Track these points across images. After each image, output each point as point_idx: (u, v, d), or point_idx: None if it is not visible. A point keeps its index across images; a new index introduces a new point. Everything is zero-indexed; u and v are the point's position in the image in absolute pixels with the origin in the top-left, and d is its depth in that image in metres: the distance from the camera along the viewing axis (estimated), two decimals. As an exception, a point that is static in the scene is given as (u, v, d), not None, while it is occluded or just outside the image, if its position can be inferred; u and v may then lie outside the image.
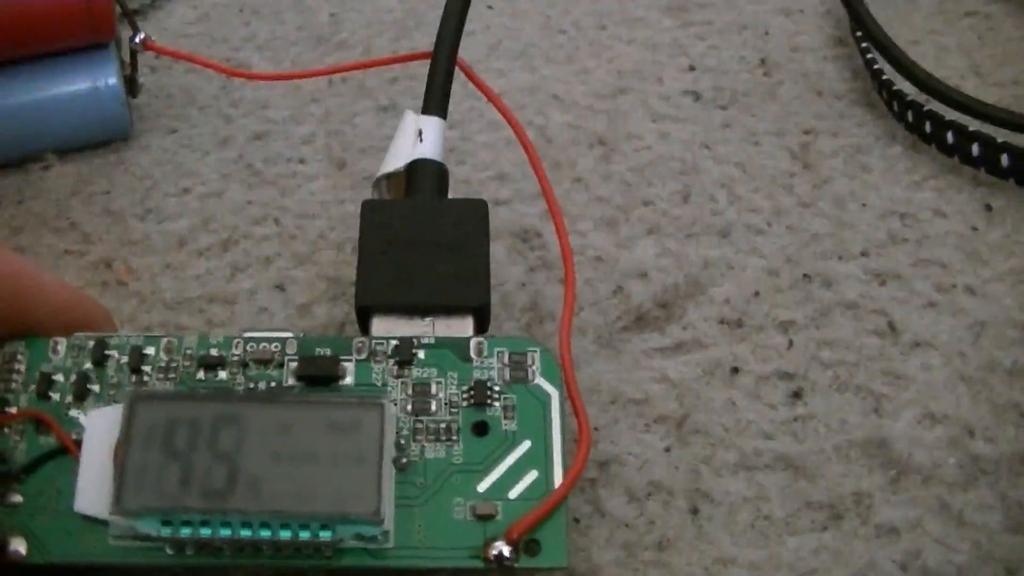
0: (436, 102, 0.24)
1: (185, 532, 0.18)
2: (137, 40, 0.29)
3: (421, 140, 0.24)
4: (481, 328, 0.22)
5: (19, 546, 0.19)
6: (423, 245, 0.22)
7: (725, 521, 0.21)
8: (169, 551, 0.19)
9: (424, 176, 0.23)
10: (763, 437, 0.22)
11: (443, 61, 0.25)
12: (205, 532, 0.19)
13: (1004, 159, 0.27)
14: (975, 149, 0.28)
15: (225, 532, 0.18)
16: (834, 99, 0.31)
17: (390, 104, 0.31)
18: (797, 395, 0.23)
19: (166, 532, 0.19)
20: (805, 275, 0.26)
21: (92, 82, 0.28)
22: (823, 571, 0.20)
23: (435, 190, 0.23)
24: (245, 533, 0.18)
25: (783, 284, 0.25)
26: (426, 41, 0.33)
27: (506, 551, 0.19)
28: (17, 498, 0.19)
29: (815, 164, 0.29)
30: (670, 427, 0.23)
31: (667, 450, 0.22)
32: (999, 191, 0.28)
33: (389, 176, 0.24)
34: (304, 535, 0.18)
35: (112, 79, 0.28)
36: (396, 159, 0.24)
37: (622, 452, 0.22)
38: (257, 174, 0.29)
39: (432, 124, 0.24)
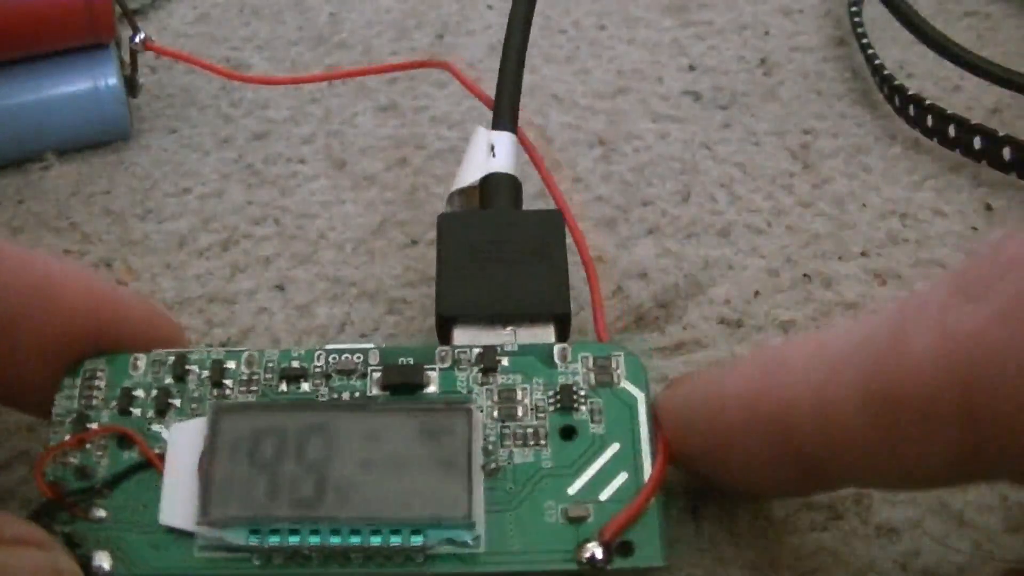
0: (506, 116, 0.25)
1: (273, 541, 0.18)
2: (137, 40, 0.29)
3: (494, 155, 0.24)
4: (562, 336, 0.22)
5: (103, 561, 0.19)
6: (502, 255, 0.23)
7: (725, 521, 0.21)
8: (256, 561, 0.19)
9: (498, 188, 0.24)
10: (763, 437, 0.22)
11: (511, 75, 0.25)
12: (294, 540, 0.18)
13: (1006, 152, 0.27)
14: (977, 142, 0.27)
15: (315, 540, 0.18)
16: (834, 99, 0.31)
17: (390, 104, 0.31)
18: (797, 395, 0.23)
19: (254, 541, 0.18)
20: (805, 275, 0.26)
21: (92, 82, 0.28)
22: (823, 571, 0.20)
23: (510, 201, 0.24)
24: (335, 540, 0.18)
25: (783, 284, 0.25)
26: (425, 41, 0.33)
27: (599, 553, 0.19)
28: (101, 513, 0.19)
29: (815, 164, 0.29)
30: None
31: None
32: (999, 191, 0.28)
33: (462, 191, 0.24)
34: (395, 540, 0.18)
35: (112, 79, 0.28)
36: (469, 174, 0.24)
37: None
38: (257, 174, 0.29)
39: (504, 139, 0.25)
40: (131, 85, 0.29)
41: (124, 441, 0.20)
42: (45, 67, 0.28)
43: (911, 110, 0.29)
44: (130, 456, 0.20)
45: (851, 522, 0.21)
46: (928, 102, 0.29)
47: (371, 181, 0.28)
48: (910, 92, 0.29)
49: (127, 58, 0.29)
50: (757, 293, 0.25)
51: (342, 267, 0.26)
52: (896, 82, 0.29)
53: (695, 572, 0.21)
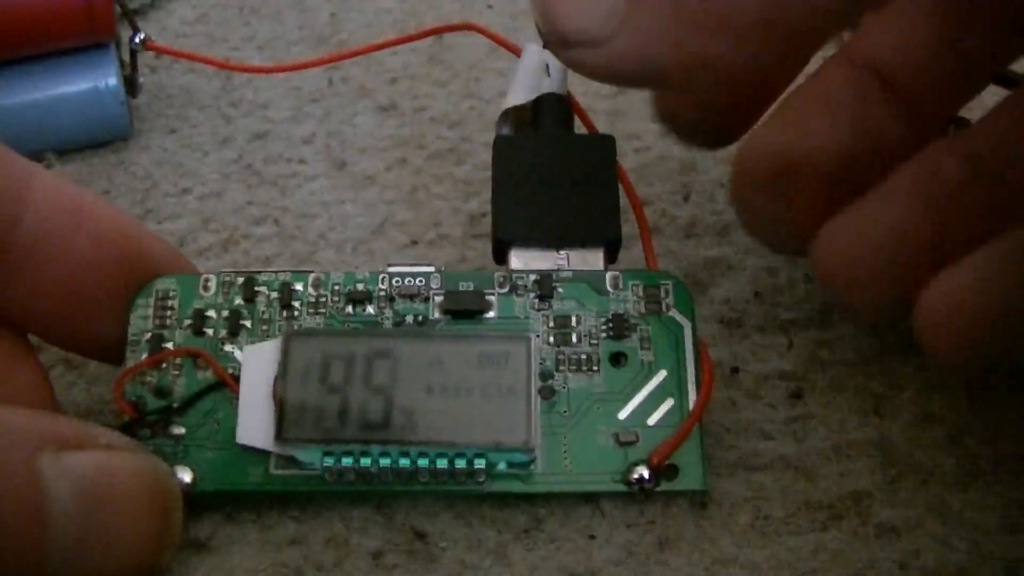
0: None
1: (346, 462, 0.20)
2: (137, 40, 0.29)
3: (548, 74, 0.24)
4: (611, 260, 0.23)
5: (184, 475, 0.20)
6: (555, 179, 0.23)
7: (725, 521, 0.21)
8: (328, 479, 0.20)
9: (552, 110, 0.24)
10: (763, 437, 0.22)
11: None
12: (365, 462, 0.20)
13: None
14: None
15: (385, 462, 0.20)
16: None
17: (390, 104, 0.30)
18: (797, 395, 0.23)
19: (328, 462, 0.20)
20: (805, 275, 0.26)
21: (92, 82, 0.28)
22: (823, 571, 0.20)
23: (563, 124, 0.24)
24: (404, 463, 0.20)
25: (783, 284, 0.25)
26: (426, 41, 0.33)
27: (647, 475, 0.20)
28: (180, 430, 0.21)
29: (815, 164, 0.29)
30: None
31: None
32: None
33: (515, 109, 0.24)
34: (460, 464, 0.20)
35: (112, 79, 0.28)
36: (523, 92, 0.24)
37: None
38: (257, 174, 0.29)
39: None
40: (131, 85, 0.29)
41: (199, 361, 0.21)
42: (45, 67, 0.28)
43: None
44: (204, 376, 0.21)
45: (851, 522, 0.21)
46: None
47: (371, 181, 0.28)
48: None
49: (127, 58, 0.29)
50: (757, 293, 0.25)
51: (342, 267, 0.26)
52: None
53: (695, 572, 0.21)
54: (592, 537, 0.21)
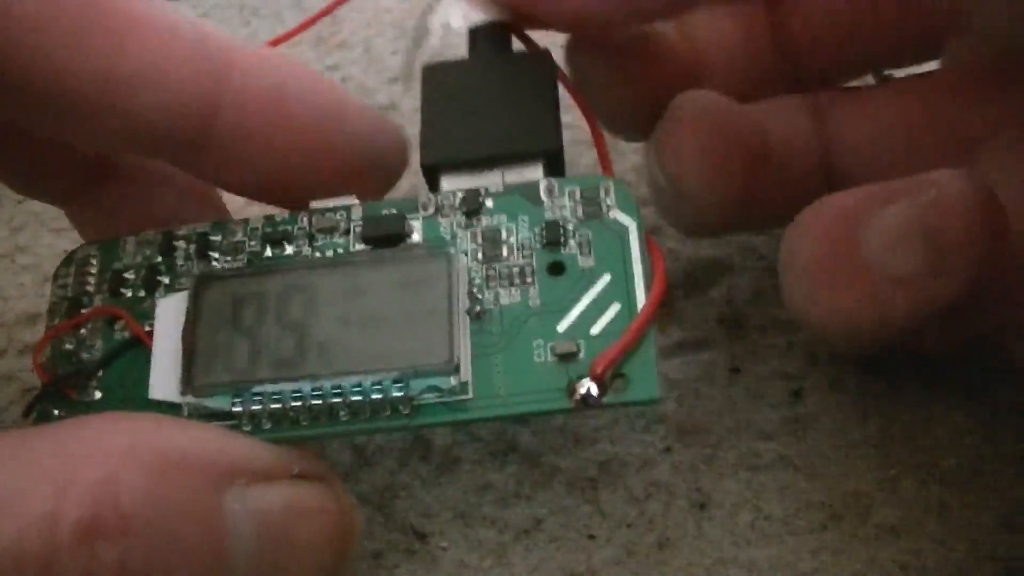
0: None
1: (256, 405, 0.18)
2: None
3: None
4: (555, 173, 0.21)
5: None
6: (488, 99, 0.21)
7: (725, 521, 0.21)
8: (246, 427, 0.18)
9: (485, 34, 0.22)
10: (763, 437, 0.22)
11: None
12: (276, 402, 0.18)
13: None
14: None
15: (297, 400, 0.18)
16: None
17: (390, 104, 0.30)
18: (797, 395, 0.23)
19: (238, 407, 0.18)
20: (805, 275, 0.26)
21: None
22: (823, 571, 0.20)
23: (498, 47, 0.23)
24: (315, 398, 0.18)
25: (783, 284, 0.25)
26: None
27: (593, 389, 0.18)
28: (97, 395, 0.19)
29: (815, 164, 0.29)
30: (670, 427, 0.23)
31: (667, 450, 0.22)
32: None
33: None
34: (375, 394, 0.18)
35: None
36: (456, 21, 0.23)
37: (622, 452, 0.22)
38: (257, 174, 0.29)
39: None
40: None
41: (117, 323, 0.20)
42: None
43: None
44: (123, 337, 0.20)
45: (851, 522, 0.21)
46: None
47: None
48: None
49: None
50: (757, 293, 0.25)
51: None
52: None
53: (695, 572, 0.21)
54: (592, 537, 0.21)
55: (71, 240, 0.27)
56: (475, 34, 0.23)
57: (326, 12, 0.26)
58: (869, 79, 0.28)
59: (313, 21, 0.27)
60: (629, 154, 0.28)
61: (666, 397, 0.18)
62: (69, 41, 0.18)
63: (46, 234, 0.27)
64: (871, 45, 0.23)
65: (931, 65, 0.24)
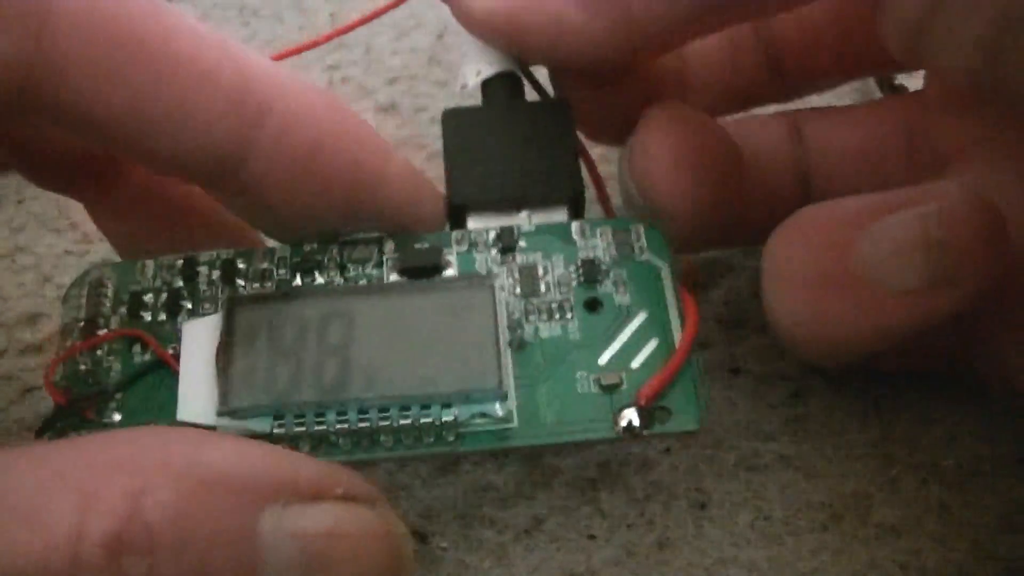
0: None
1: (299, 427, 0.18)
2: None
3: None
4: (576, 216, 0.21)
5: None
6: (510, 144, 0.22)
7: (725, 521, 0.21)
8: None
9: (501, 84, 0.23)
10: (763, 437, 0.22)
11: None
12: (320, 424, 0.18)
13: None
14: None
15: (342, 422, 0.18)
16: (834, 98, 0.31)
17: (390, 104, 0.30)
18: (797, 395, 0.23)
19: (279, 429, 0.18)
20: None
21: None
22: (823, 571, 0.20)
23: (512, 95, 0.23)
24: (363, 421, 0.18)
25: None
26: (425, 42, 0.33)
27: (636, 419, 0.18)
28: (116, 416, 0.19)
29: (815, 164, 0.29)
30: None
31: (667, 450, 0.22)
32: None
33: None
34: (425, 418, 0.18)
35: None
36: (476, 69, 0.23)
37: (622, 452, 0.22)
38: (257, 174, 0.29)
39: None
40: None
41: (136, 345, 0.20)
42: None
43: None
44: (143, 360, 0.20)
45: (851, 522, 0.21)
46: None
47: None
48: (910, 92, 0.29)
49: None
50: (757, 293, 0.25)
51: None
52: (896, 82, 0.29)
53: (695, 572, 0.21)
54: (592, 537, 0.21)
55: (71, 240, 0.27)
56: (486, 84, 0.23)
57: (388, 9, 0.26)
58: (847, 96, 0.28)
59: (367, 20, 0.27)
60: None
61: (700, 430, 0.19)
62: (105, 75, 0.18)
63: (46, 234, 0.27)
64: (857, 49, 0.23)
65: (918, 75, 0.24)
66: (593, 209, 0.23)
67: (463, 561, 0.21)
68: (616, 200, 0.23)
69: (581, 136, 0.23)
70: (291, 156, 0.19)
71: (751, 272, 0.26)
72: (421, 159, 0.29)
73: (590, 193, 0.22)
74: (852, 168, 0.22)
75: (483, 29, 0.22)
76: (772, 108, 0.25)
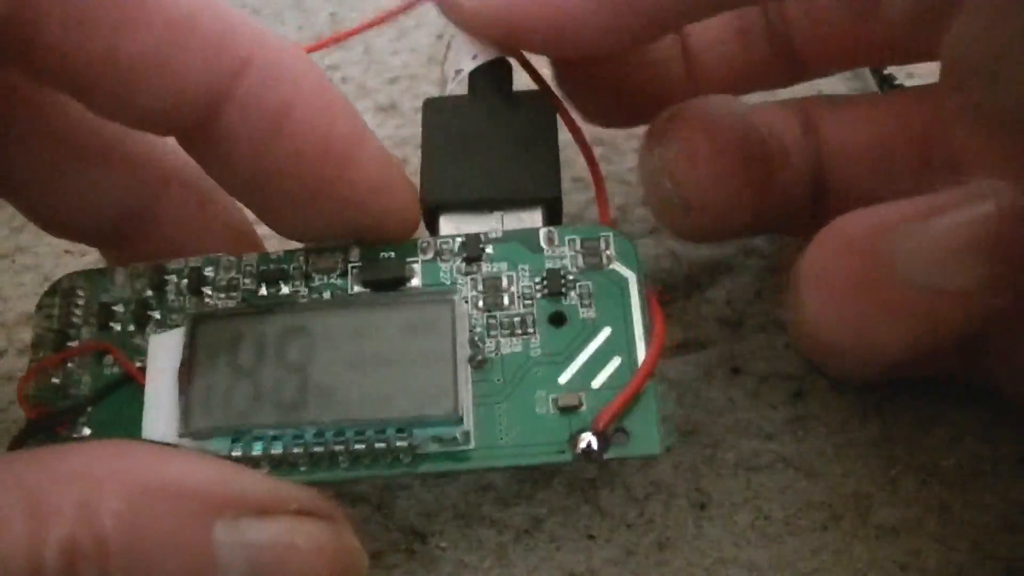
0: None
1: (257, 449, 0.18)
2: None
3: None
4: (553, 222, 0.21)
5: None
6: (489, 140, 0.21)
7: (725, 521, 0.21)
8: None
9: (488, 73, 0.22)
10: (763, 437, 0.22)
11: None
12: (277, 447, 0.18)
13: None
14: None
15: (298, 445, 0.18)
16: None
17: (390, 104, 0.30)
18: (797, 395, 0.23)
19: (237, 451, 0.18)
20: (805, 275, 0.26)
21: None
22: (823, 571, 0.20)
23: (499, 86, 0.23)
24: (318, 444, 0.18)
25: (783, 284, 0.25)
26: (425, 41, 0.33)
27: (594, 442, 0.18)
28: (86, 431, 0.19)
29: (815, 164, 0.29)
30: (670, 427, 0.23)
31: (667, 450, 0.22)
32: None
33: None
34: (380, 443, 0.18)
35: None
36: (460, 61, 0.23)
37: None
38: (257, 174, 0.29)
39: None
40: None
41: (107, 356, 0.20)
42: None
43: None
44: (112, 373, 0.19)
45: (851, 522, 0.21)
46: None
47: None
48: (917, 86, 0.29)
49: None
50: (757, 293, 0.25)
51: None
52: (896, 82, 0.29)
53: (695, 572, 0.21)
54: (592, 537, 0.21)
55: (71, 240, 0.27)
56: (474, 73, 0.23)
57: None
58: (862, 80, 0.28)
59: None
60: (629, 153, 0.28)
61: (666, 449, 0.18)
62: (80, 20, 0.17)
63: (46, 234, 0.27)
64: (867, 35, 0.23)
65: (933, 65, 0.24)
66: (592, 210, 0.23)
67: (463, 561, 0.21)
68: (615, 200, 0.23)
69: (584, 127, 0.23)
70: (262, 113, 0.19)
71: (751, 272, 0.26)
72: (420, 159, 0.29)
73: (588, 195, 0.22)
74: (867, 166, 0.22)
75: (475, 24, 0.21)
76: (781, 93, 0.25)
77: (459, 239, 0.20)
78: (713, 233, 0.22)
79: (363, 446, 0.18)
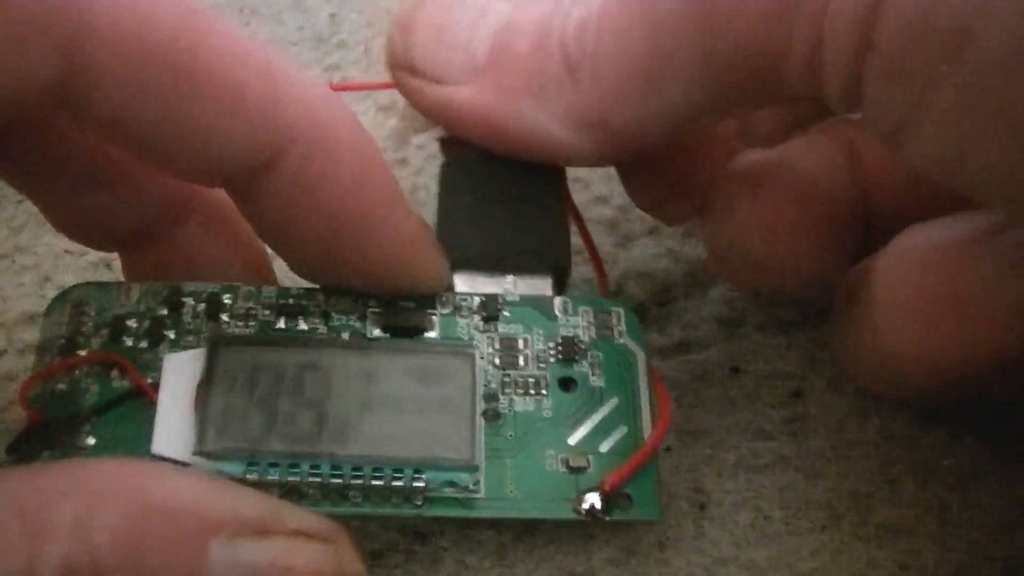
0: None
1: (271, 475, 0.18)
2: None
3: None
4: (560, 288, 0.22)
5: None
6: (504, 203, 0.22)
7: (725, 521, 0.21)
8: None
9: None
10: (763, 437, 0.22)
11: None
12: (294, 475, 0.18)
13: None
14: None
15: (316, 476, 0.18)
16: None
17: (390, 104, 0.30)
18: (796, 395, 0.23)
19: (252, 474, 0.18)
20: (805, 275, 0.26)
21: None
22: (823, 571, 0.20)
23: None
24: (335, 477, 0.18)
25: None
26: (426, 41, 0.33)
27: (598, 503, 0.19)
28: (90, 441, 0.19)
29: (815, 164, 0.29)
30: (670, 427, 0.23)
31: (667, 450, 0.22)
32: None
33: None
34: (397, 482, 0.18)
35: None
36: None
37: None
38: (257, 174, 0.29)
39: None
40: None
41: (115, 369, 0.20)
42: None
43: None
44: (121, 385, 0.19)
45: (851, 522, 0.21)
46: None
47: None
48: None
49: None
50: (757, 293, 0.25)
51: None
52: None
53: (695, 572, 0.21)
54: (592, 537, 0.21)
55: (71, 240, 0.27)
56: None
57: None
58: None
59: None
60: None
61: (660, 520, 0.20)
62: (134, 92, 0.18)
63: (46, 234, 0.27)
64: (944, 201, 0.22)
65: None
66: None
67: (463, 561, 0.21)
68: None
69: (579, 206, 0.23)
70: (301, 187, 0.19)
71: (751, 272, 0.26)
72: (421, 159, 0.29)
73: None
74: (909, 198, 0.22)
75: (451, 124, 0.22)
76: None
77: (478, 298, 0.21)
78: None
79: (381, 483, 0.19)
